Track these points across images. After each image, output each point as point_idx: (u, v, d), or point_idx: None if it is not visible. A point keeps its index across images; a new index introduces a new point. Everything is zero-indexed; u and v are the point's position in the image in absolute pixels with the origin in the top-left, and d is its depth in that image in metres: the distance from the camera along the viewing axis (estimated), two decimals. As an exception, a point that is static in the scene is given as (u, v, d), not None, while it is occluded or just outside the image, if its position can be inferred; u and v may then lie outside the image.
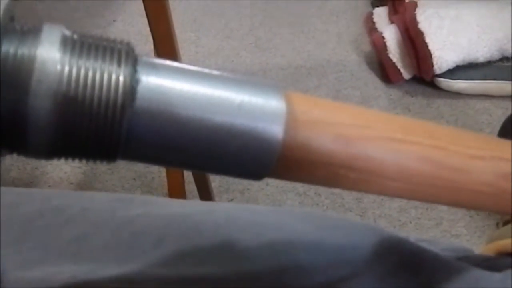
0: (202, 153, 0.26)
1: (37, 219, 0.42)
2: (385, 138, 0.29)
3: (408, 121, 0.31)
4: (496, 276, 0.38)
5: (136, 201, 0.44)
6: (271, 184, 1.29)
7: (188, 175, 1.18)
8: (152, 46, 0.89)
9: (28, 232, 0.41)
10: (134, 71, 0.25)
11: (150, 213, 0.43)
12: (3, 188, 0.46)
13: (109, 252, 0.39)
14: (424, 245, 0.42)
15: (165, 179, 1.22)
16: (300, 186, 1.29)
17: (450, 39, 1.47)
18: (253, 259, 0.39)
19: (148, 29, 0.84)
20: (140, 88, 0.25)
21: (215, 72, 0.27)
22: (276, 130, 0.26)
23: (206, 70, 0.27)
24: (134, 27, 1.74)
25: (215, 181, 1.26)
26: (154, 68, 0.26)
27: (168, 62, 0.26)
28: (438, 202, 0.32)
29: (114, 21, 1.77)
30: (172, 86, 0.25)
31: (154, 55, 0.94)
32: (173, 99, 0.25)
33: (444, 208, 1.27)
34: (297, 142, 0.27)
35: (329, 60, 1.67)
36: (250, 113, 0.26)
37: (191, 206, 0.46)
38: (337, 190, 1.29)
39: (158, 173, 1.30)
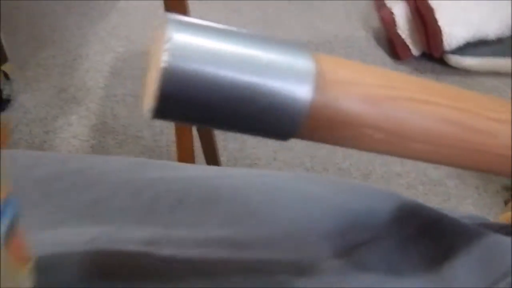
0: (230, 111, 0.26)
1: (55, 182, 0.42)
2: (411, 99, 0.29)
3: (432, 83, 0.31)
4: None
5: (153, 165, 0.44)
6: (279, 159, 1.29)
7: (197, 149, 1.18)
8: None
9: (47, 194, 0.41)
10: None
11: (168, 176, 0.43)
12: (17, 151, 0.45)
13: (128, 214, 0.40)
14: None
15: (175, 154, 1.21)
16: (307, 161, 1.29)
17: (460, 15, 1.46)
18: (270, 223, 0.39)
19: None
20: (170, 46, 0.25)
21: (243, 31, 0.27)
22: (305, 90, 0.26)
23: (234, 29, 0.27)
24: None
25: (223, 155, 1.26)
26: (183, 25, 0.25)
27: (196, 20, 0.26)
28: (459, 166, 0.32)
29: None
30: (201, 43, 0.25)
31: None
32: (201, 56, 0.25)
33: (452, 184, 1.27)
34: (326, 102, 0.27)
35: (337, 36, 1.66)
36: (278, 72, 0.26)
37: (208, 170, 0.46)
38: (344, 165, 1.29)
39: (166, 147, 1.30)
